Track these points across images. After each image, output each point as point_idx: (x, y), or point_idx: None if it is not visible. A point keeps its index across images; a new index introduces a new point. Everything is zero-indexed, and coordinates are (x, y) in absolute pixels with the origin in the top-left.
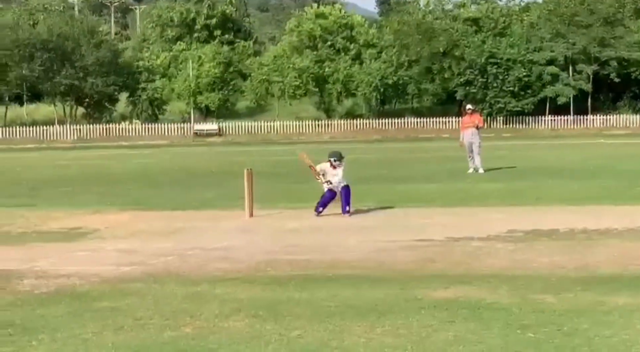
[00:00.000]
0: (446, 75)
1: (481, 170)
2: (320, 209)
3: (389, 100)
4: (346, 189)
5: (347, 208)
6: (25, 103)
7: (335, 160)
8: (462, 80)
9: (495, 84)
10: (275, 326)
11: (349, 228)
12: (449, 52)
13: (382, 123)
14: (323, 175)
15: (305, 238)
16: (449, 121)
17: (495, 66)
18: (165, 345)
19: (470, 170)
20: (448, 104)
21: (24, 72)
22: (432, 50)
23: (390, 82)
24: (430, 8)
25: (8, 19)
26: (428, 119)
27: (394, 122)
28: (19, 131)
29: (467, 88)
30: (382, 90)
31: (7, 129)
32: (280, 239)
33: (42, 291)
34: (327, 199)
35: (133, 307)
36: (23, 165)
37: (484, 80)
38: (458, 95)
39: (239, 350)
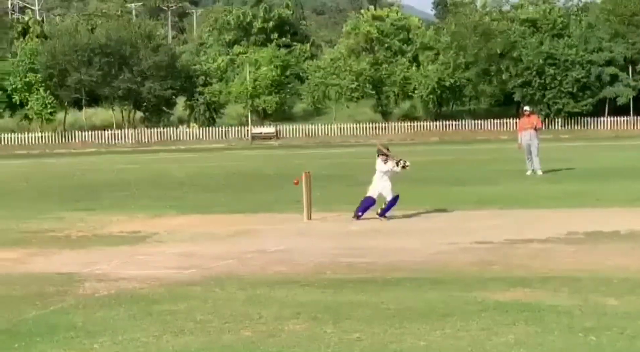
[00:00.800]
0: (503, 77)
1: (540, 172)
2: (360, 213)
3: (446, 102)
4: (395, 198)
5: (386, 213)
6: (84, 107)
7: (381, 154)
8: (519, 81)
9: (553, 85)
10: (335, 329)
11: (408, 231)
12: (506, 53)
13: (439, 125)
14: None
15: (364, 241)
16: (506, 123)
17: (553, 67)
18: (225, 348)
19: (529, 172)
20: (505, 106)
21: (82, 76)
22: (490, 52)
23: (447, 84)
24: (488, 9)
25: (67, 24)
26: (485, 121)
27: (451, 124)
28: (78, 135)
29: (525, 89)
30: (439, 92)
31: (67, 133)
32: (339, 241)
33: (102, 294)
34: (368, 204)
35: (193, 311)
36: (82, 169)
37: (542, 81)
38: (516, 97)
39: None
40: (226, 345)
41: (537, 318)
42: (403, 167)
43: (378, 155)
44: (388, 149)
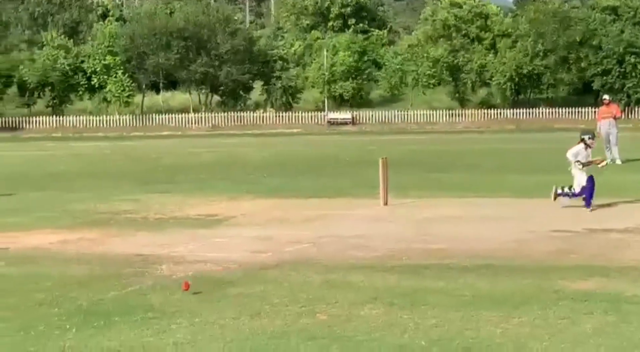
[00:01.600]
0: (582, 65)
1: (618, 161)
2: (591, 201)
3: (524, 90)
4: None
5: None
6: (161, 91)
7: (589, 138)
8: (599, 70)
9: (633, 74)
10: (411, 315)
11: (486, 218)
12: (585, 41)
13: (516, 113)
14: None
15: (441, 227)
16: (584, 112)
17: (634, 56)
18: (301, 332)
19: (608, 161)
20: (584, 94)
21: (160, 60)
22: (569, 39)
23: (525, 71)
24: None
25: (146, 7)
26: (563, 110)
27: (529, 112)
28: (156, 118)
29: (604, 78)
30: (516, 79)
31: (144, 116)
32: (415, 227)
33: (180, 276)
34: (591, 187)
35: (269, 294)
36: (159, 152)
37: (622, 70)
38: (595, 86)
39: (375, 338)
40: (302, 329)
41: (615, 308)
42: (590, 163)
43: (582, 141)
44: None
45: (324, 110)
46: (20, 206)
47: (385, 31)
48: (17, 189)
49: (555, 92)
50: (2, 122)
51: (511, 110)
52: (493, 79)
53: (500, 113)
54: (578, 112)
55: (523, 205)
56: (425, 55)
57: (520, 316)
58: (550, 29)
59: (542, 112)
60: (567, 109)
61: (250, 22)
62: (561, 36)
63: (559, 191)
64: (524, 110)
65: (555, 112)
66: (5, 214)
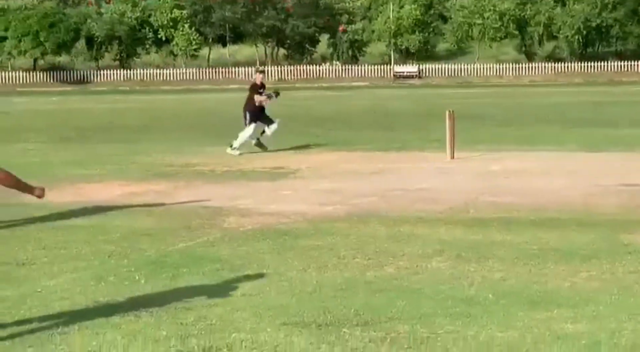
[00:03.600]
0: None
1: None
2: None
3: (592, 43)
4: None
5: None
6: (227, 44)
7: None
8: None
9: None
10: (478, 268)
11: (553, 171)
12: None
13: (584, 66)
14: None
15: (508, 180)
16: None
17: None
18: (368, 284)
19: None
20: None
21: (226, 13)
22: None
23: (593, 24)
24: None
25: None
26: (632, 63)
27: (597, 66)
28: (222, 72)
29: None
30: (585, 32)
31: (211, 69)
32: (482, 181)
33: (247, 228)
34: None
35: (336, 246)
36: (225, 104)
37: None
38: None
39: (442, 290)
40: (369, 281)
41: None
42: None
43: None
44: None
45: (390, 64)
46: (89, 158)
47: None
48: (85, 142)
49: (624, 45)
50: (71, 75)
51: (579, 63)
52: (561, 32)
53: (568, 66)
54: None
55: (591, 158)
56: (491, 8)
57: (589, 269)
58: None
59: (611, 66)
60: (636, 62)
61: None
62: None
63: None
64: (592, 63)
65: (624, 65)
66: (74, 166)
